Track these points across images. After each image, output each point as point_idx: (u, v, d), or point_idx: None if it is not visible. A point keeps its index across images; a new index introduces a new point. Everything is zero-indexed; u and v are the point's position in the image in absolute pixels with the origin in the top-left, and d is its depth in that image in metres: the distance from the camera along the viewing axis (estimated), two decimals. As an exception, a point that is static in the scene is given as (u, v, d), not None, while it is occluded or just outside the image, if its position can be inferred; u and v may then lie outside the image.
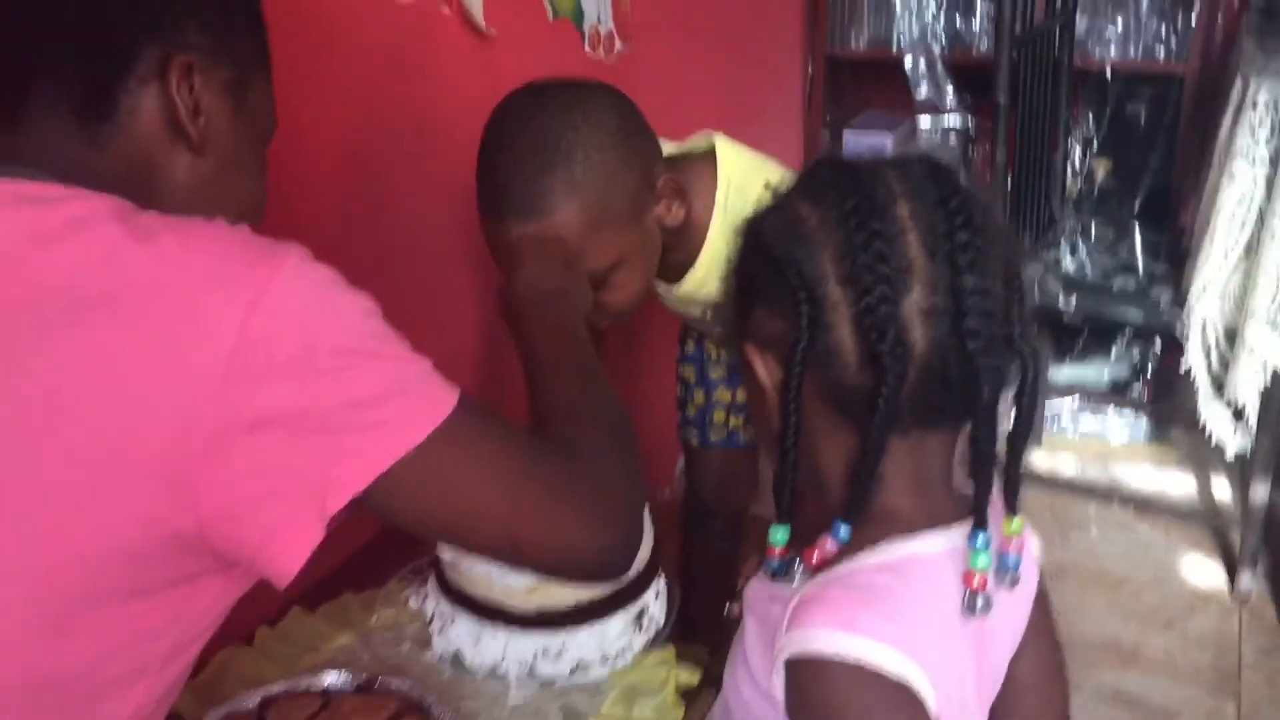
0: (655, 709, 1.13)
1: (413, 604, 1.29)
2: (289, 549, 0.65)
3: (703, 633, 1.29)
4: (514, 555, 0.73)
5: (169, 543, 0.62)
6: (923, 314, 0.73)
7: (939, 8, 2.90)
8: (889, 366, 0.71)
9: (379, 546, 1.43)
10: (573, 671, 1.18)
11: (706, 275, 1.29)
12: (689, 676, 1.18)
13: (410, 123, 1.45)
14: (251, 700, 1.08)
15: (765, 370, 0.79)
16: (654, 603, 1.25)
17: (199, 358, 0.61)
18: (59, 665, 0.62)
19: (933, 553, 0.77)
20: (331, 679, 1.12)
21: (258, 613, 1.27)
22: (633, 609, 1.22)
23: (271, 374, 0.62)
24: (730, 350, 1.00)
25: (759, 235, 0.80)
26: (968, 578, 0.76)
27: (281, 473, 0.63)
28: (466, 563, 1.18)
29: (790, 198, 0.81)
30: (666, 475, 2.15)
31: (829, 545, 0.77)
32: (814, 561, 0.78)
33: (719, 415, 1.69)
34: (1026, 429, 0.78)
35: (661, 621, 1.25)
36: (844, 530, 0.77)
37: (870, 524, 0.77)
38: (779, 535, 0.80)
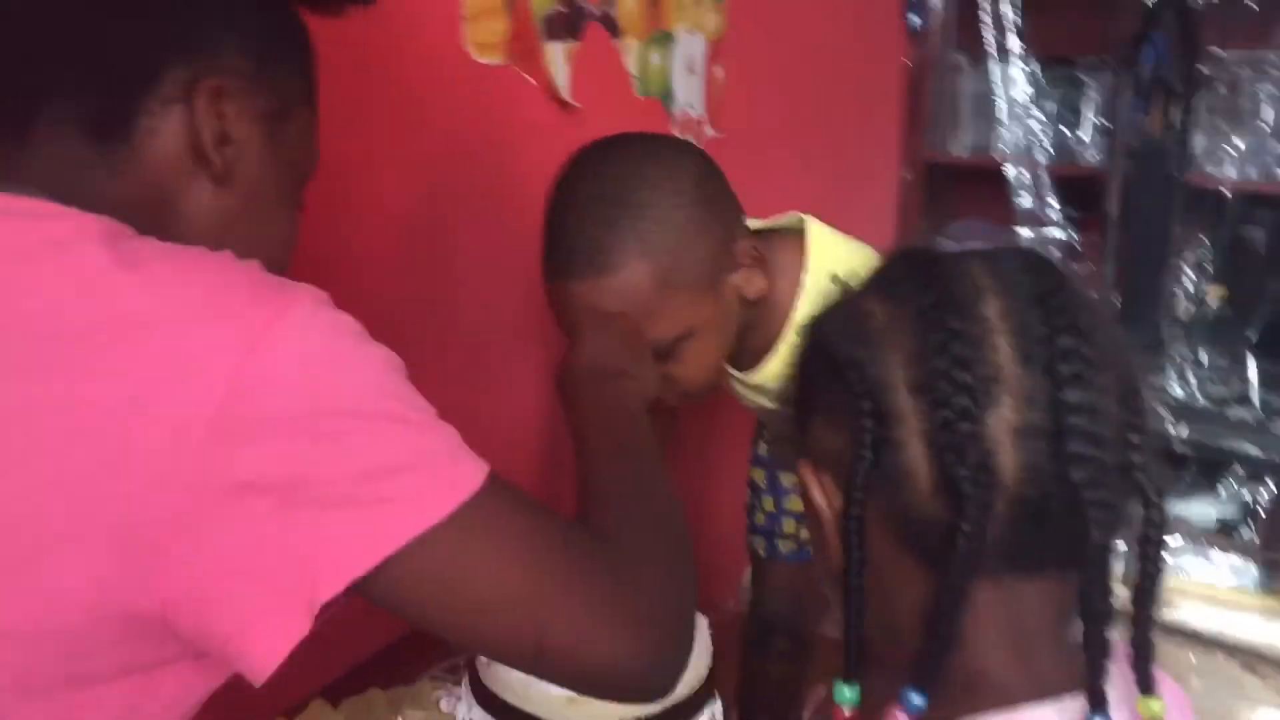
0: None
1: (444, 706, 1.18)
2: (265, 643, 0.54)
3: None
4: (539, 664, 0.63)
5: (122, 624, 0.53)
6: (1014, 434, 0.60)
7: (1046, 116, 2.81)
8: (970, 496, 0.59)
9: (412, 642, 1.33)
10: (613, 801, 1.05)
11: (784, 365, 1.18)
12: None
13: (482, 192, 1.39)
14: (252, 803, 0.98)
15: (823, 495, 0.67)
16: (708, 728, 1.12)
17: (180, 407, 0.52)
18: None
19: None
20: (343, 786, 1.01)
21: (276, 703, 1.17)
22: (683, 734, 1.09)
23: (263, 432, 0.53)
24: (790, 466, 0.87)
25: (820, 333, 0.69)
26: None
27: (264, 550, 0.54)
28: (503, 665, 1.06)
29: (860, 292, 0.70)
30: (733, 585, 2.02)
31: (900, 716, 0.63)
32: None
33: (789, 525, 1.57)
34: (1154, 581, 0.64)
35: (716, 750, 1.12)
36: (916, 699, 0.62)
37: (954, 691, 0.63)
38: (846, 694, 0.67)
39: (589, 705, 1.04)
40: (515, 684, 1.05)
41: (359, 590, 0.57)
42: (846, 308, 0.69)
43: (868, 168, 2.76)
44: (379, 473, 0.56)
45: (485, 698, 1.09)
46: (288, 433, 0.54)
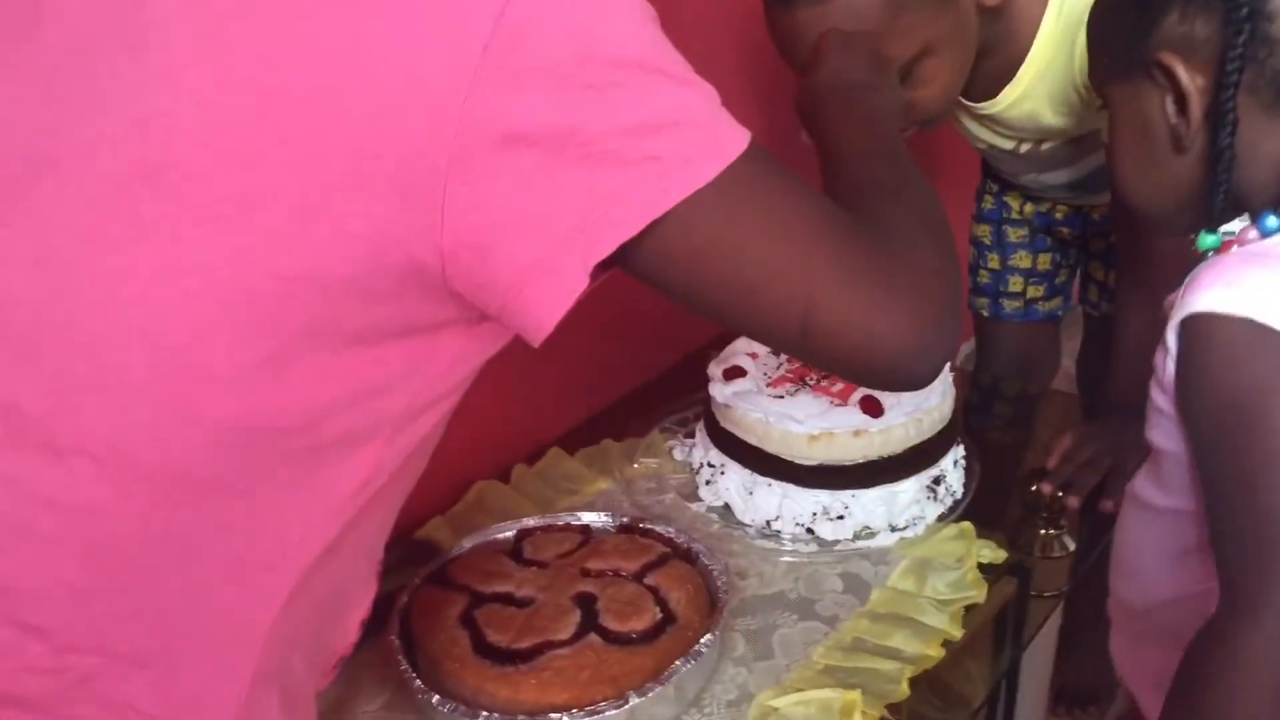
0: (952, 585, 0.98)
1: (678, 455, 1.18)
2: (546, 294, 0.52)
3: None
4: (803, 336, 0.59)
5: (405, 275, 0.51)
6: None
7: None
8: None
9: (641, 398, 1.34)
10: (857, 536, 1.04)
11: (1030, 90, 1.09)
12: (993, 554, 1.02)
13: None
14: (509, 530, 1.01)
15: (1188, 76, 0.74)
16: (952, 471, 1.09)
17: (448, 51, 0.49)
18: (277, 411, 0.52)
19: None
20: (592, 518, 1.03)
21: (514, 451, 1.20)
22: (928, 475, 1.06)
23: (531, 79, 0.50)
24: (1095, 96, 0.89)
25: None
26: None
27: (538, 200, 0.51)
28: (742, 408, 1.05)
29: None
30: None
31: (1252, 234, 0.76)
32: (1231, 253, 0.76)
33: (1015, 283, 1.49)
34: None
35: (960, 493, 1.09)
36: (1273, 219, 0.75)
37: None
38: (1209, 240, 0.80)
39: (831, 441, 1.02)
40: (754, 424, 1.04)
41: (626, 259, 0.54)
42: None
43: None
44: (647, 128, 0.53)
45: (723, 439, 1.09)
46: (554, 82, 0.51)
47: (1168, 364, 0.76)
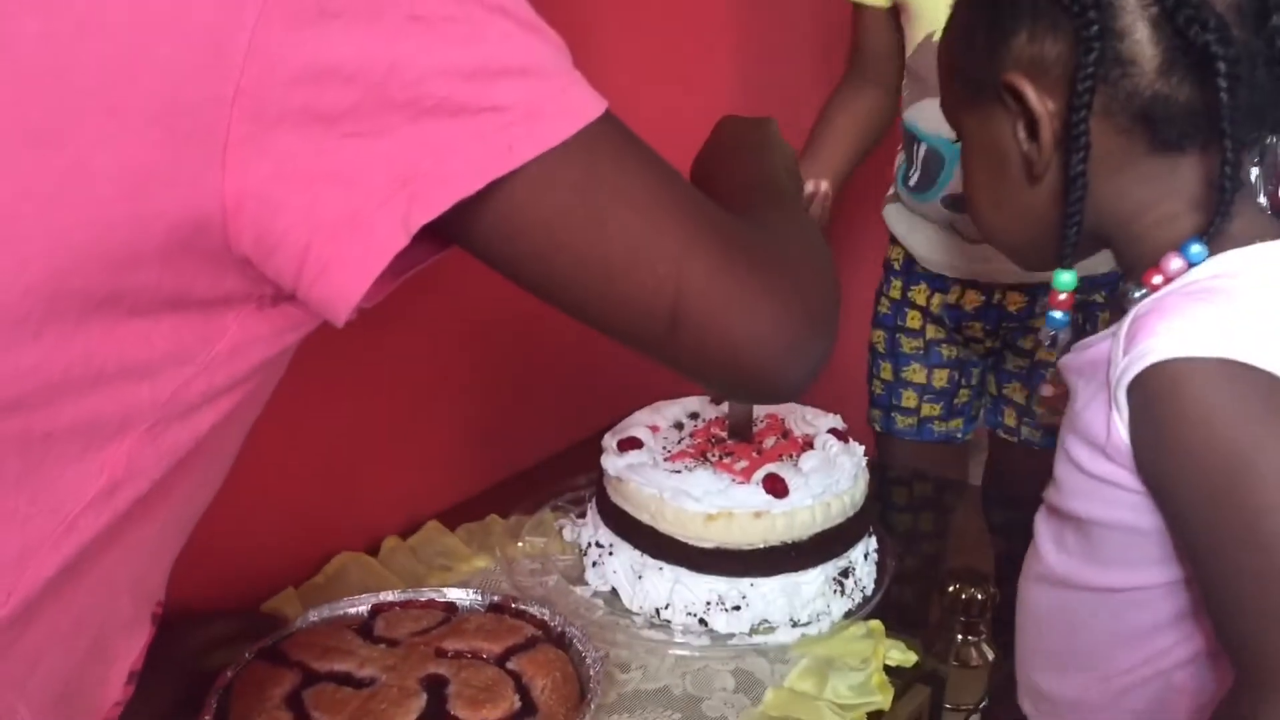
0: (855, 689, 0.88)
1: (567, 535, 1.08)
2: (352, 257, 0.43)
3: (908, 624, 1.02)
4: (671, 327, 0.51)
5: (175, 230, 0.41)
6: (1233, 9, 0.66)
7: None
8: (1220, 56, 0.64)
9: (538, 474, 1.24)
10: (754, 630, 0.93)
11: None
12: (902, 655, 0.92)
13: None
14: (363, 605, 0.89)
15: (1038, 99, 0.70)
16: (862, 563, 1.00)
17: None
18: (23, 380, 0.42)
19: (1273, 256, 0.69)
20: (459, 595, 0.91)
21: (387, 525, 1.09)
22: (835, 566, 0.97)
23: (335, 10, 0.42)
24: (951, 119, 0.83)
25: None
26: None
27: (348, 148, 0.43)
28: (635, 481, 0.96)
29: None
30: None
31: (1173, 263, 0.70)
32: (1154, 284, 0.71)
33: (909, 398, 1.42)
34: None
35: (870, 588, 1.00)
36: (1196, 248, 0.69)
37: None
38: (1065, 279, 0.75)
39: (729, 522, 0.93)
40: (648, 500, 0.95)
41: (463, 229, 0.46)
42: None
43: None
44: (488, 72, 0.45)
45: (613, 516, 0.99)
46: (372, 6, 0.42)
47: (1114, 429, 0.69)
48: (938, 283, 1.34)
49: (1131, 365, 0.67)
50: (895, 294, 1.39)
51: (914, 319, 1.38)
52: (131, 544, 0.49)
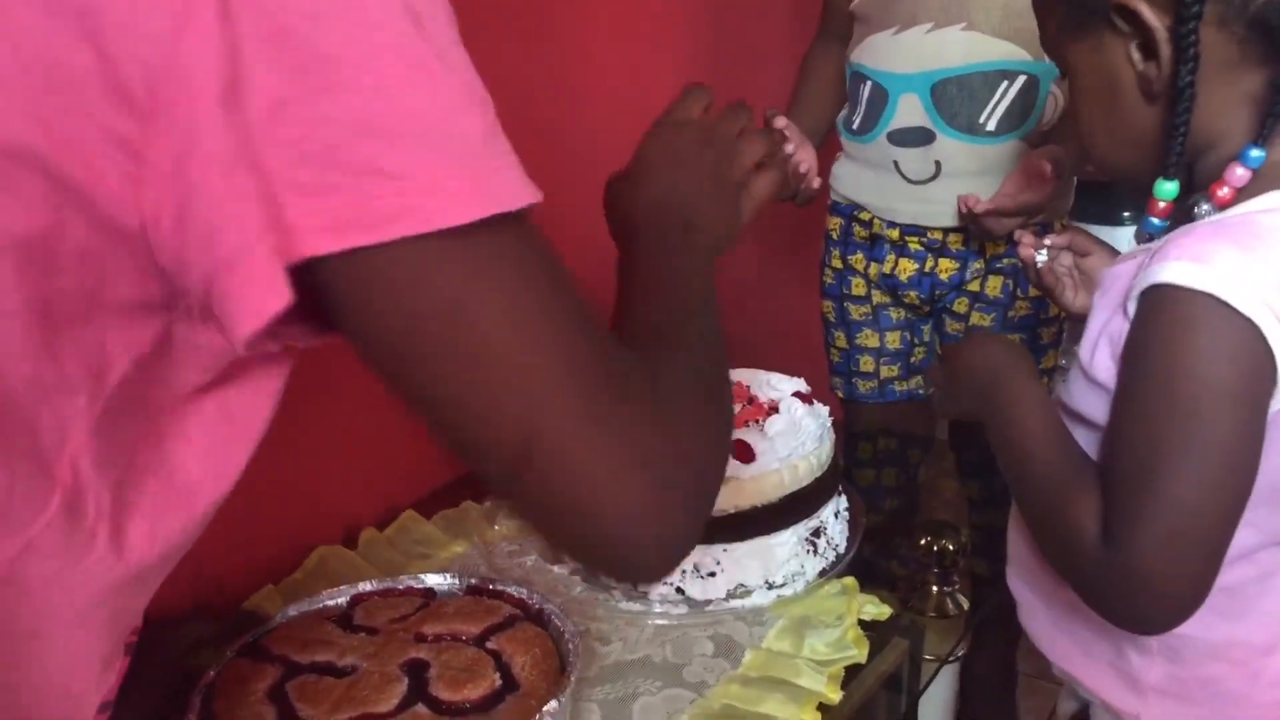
0: (831, 645, 0.89)
1: (542, 515, 1.08)
2: (243, 294, 0.40)
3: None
4: (515, 478, 0.47)
5: (92, 231, 0.40)
6: None
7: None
8: None
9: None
10: (730, 595, 0.95)
11: None
12: (877, 609, 0.94)
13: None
14: (342, 597, 0.90)
15: (1153, 14, 0.71)
16: (833, 522, 1.01)
17: None
18: None
19: None
20: (436, 580, 0.92)
21: (364, 517, 1.10)
22: (806, 526, 0.98)
23: (252, 18, 0.39)
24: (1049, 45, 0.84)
25: None
26: None
27: (241, 176, 0.40)
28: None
29: None
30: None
31: (1237, 173, 0.72)
32: (1220, 195, 0.73)
33: (865, 363, 1.46)
34: None
35: (843, 546, 1.01)
36: (1255, 152, 0.71)
37: (1255, 179, 0.73)
38: (1167, 189, 0.76)
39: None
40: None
41: (327, 288, 0.42)
42: None
43: None
44: (384, 130, 0.40)
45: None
46: (278, 30, 0.39)
47: (1120, 333, 0.73)
48: (876, 251, 1.36)
49: (1145, 280, 0.70)
50: (837, 263, 1.42)
51: (859, 286, 1.40)
52: (84, 573, 0.46)
